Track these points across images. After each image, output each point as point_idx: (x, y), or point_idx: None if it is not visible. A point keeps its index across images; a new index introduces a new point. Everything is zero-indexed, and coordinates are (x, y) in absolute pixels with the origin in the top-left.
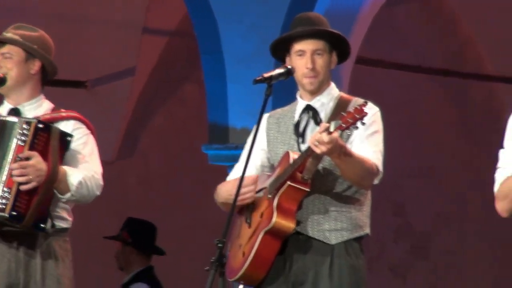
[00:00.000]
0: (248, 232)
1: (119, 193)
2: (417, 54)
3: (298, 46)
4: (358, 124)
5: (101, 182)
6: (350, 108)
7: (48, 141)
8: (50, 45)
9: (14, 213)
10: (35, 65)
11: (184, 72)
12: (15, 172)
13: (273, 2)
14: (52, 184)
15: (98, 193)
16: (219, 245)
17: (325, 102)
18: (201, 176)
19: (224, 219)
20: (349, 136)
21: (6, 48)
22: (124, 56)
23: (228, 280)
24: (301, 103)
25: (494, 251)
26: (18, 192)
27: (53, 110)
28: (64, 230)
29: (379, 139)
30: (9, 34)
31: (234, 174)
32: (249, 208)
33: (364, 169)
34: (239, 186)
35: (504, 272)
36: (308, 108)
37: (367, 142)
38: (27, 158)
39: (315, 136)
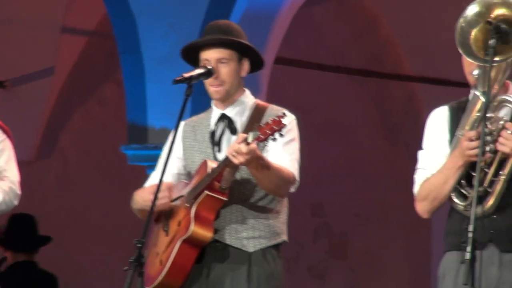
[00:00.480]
0: (166, 240)
1: (38, 193)
2: (336, 54)
3: (203, 55)
4: (276, 135)
5: (18, 191)
6: (269, 119)
7: None
8: None
9: None
10: None
11: (104, 72)
12: None
13: (192, 1)
14: None
15: (15, 203)
16: (138, 245)
17: (240, 111)
18: (121, 176)
19: (142, 219)
20: (265, 144)
21: None
22: (43, 56)
23: None
24: (215, 111)
25: (411, 251)
26: None
27: None
28: None
29: (295, 147)
30: None
31: (151, 181)
32: (167, 216)
33: (281, 178)
34: (156, 193)
35: (420, 272)
36: (224, 117)
37: (283, 151)
38: None
39: (233, 146)
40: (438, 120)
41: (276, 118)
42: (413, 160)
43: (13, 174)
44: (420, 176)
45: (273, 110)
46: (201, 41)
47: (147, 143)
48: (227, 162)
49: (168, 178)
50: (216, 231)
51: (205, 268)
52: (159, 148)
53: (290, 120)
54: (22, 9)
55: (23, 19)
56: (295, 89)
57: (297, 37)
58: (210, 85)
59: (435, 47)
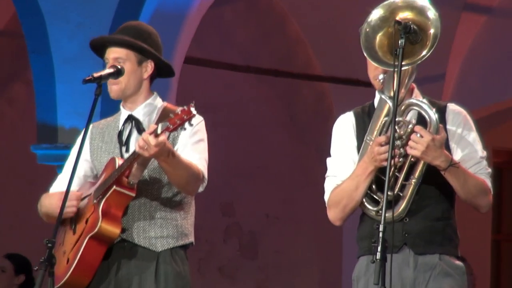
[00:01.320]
0: (73, 239)
1: None
2: (246, 54)
3: (105, 55)
4: (186, 125)
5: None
6: (178, 110)
7: None
8: None
9: None
10: None
11: (13, 72)
12: None
13: (101, 1)
14: None
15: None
16: (49, 245)
17: (147, 112)
18: (30, 175)
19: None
20: (174, 144)
21: None
22: None
23: None
24: (124, 113)
25: (320, 250)
26: None
27: None
28: None
29: (203, 147)
30: None
31: (58, 184)
32: (74, 216)
33: (190, 173)
34: (64, 201)
35: (330, 272)
36: (131, 118)
37: (193, 150)
38: None
39: (143, 137)
40: (344, 126)
41: (185, 108)
42: (323, 160)
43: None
44: (331, 184)
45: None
46: (100, 40)
47: (57, 142)
48: (136, 155)
49: (75, 181)
50: (124, 231)
51: (112, 267)
52: (69, 147)
53: (199, 121)
54: None
55: None
56: (204, 88)
57: (207, 37)
58: (108, 83)
59: (345, 46)
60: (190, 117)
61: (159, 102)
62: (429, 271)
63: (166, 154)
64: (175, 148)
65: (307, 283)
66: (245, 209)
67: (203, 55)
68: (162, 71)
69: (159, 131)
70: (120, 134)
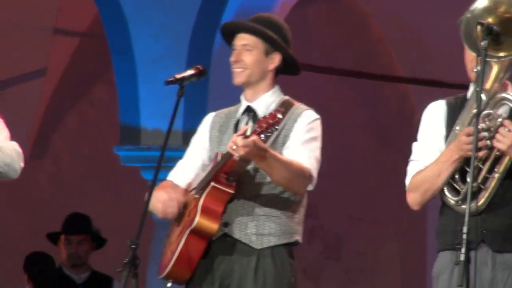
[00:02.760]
0: (177, 231)
1: (31, 194)
2: (328, 55)
3: (233, 41)
4: (272, 129)
5: (18, 148)
6: (266, 114)
7: None
8: None
9: None
10: None
11: (96, 73)
12: None
13: (183, 2)
14: None
15: (21, 162)
16: (132, 246)
17: (266, 105)
18: (113, 177)
19: (135, 220)
20: (285, 140)
21: None
22: (35, 57)
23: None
24: (243, 103)
25: (404, 251)
26: None
27: None
28: None
29: (315, 145)
30: None
31: (174, 173)
32: (180, 209)
33: (293, 172)
34: (150, 194)
35: (414, 273)
36: (249, 109)
37: (302, 148)
38: None
39: (232, 139)
40: (434, 113)
41: (272, 112)
42: (405, 162)
43: (11, 143)
44: (413, 168)
45: (298, 108)
46: (229, 25)
47: (140, 144)
48: (229, 155)
49: (193, 170)
50: (226, 225)
51: (215, 262)
52: (152, 149)
53: (313, 119)
54: (14, 11)
55: (14, 21)
56: (286, 90)
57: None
58: (233, 67)
59: (428, 48)
60: (275, 121)
61: (279, 95)
62: (507, 270)
63: (259, 154)
64: (286, 144)
65: (390, 285)
66: (329, 210)
67: None
68: (288, 67)
69: (248, 133)
70: (236, 125)
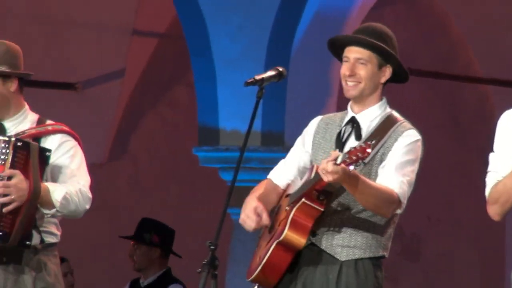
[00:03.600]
0: (268, 237)
1: (110, 195)
2: (406, 56)
3: (345, 52)
4: (359, 162)
5: (89, 195)
6: (358, 145)
7: (27, 158)
8: (18, 53)
9: (0, 233)
10: (13, 83)
11: (174, 74)
12: None
13: (262, 3)
14: (35, 201)
15: (87, 206)
16: (211, 247)
17: (370, 118)
18: (192, 178)
19: (214, 220)
20: (382, 158)
21: None
22: (114, 58)
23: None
24: (349, 113)
25: (483, 255)
26: (2, 212)
27: (38, 122)
28: (53, 245)
29: (410, 168)
30: None
31: (274, 172)
32: (275, 211)
33: (381, 199)
34: (229, 195)
35: (493, 274)
36: (353, 121)
37: (396, 171)
38: (9, 177)
39: (322, 163)
40: (509, 122)
41: (363, 145)
42: (485, 163)
43: (84, 179)
44: (492, 179)
45: (400, 126)
46: (342, 38)
47: (219, 145)
48: (319, 177)
49: (294, 172)
50: (314, 234)
51: (299, 269)
52: (231, 150)
53: (412, 140)
54: (93, 12)
55: (94, 22)
56: None
57: None
58: (345, 82)
59: (508, 48)
60: (364, 156)
61: (384, 109)
62: None
63: (348, 181)
64: (381, 165)
65: (469, 286)
66: (407, 211)
67: None
68: (395, 76)
69: (338, 161)
70: (339, 134)
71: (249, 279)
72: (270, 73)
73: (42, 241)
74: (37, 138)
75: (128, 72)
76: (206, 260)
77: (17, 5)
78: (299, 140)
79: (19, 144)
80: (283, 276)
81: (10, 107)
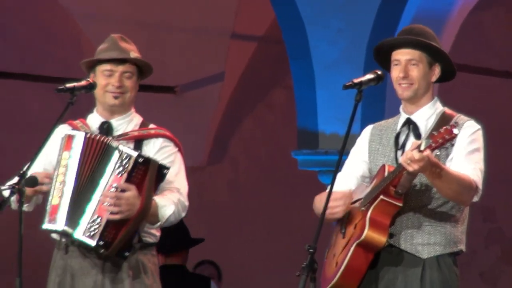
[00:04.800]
0: (342, 243)
1: (209, 198)
2: (503, 59)
3: (394, 56)
4: (447, 144)
5: (186, 203)
6: (441, 129)
7: (145, 175)
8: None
9: (101, 242)
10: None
11: (273, 78)
12: (108, 201)
13: (361, 7)
14: (142, 219)
15: (183, 214)
16: (310, 250)
17: (426, 117)
18: (291, 181)
19: (313, 224)
20: (448, 152)
21: (127, 67)
22: (213, 62)
23: None
24: (402, 116)
25: None
26: (108, 222)
27: (142, 125)
28: (151, 244)
29: (479, 157)
30: (132, 53)
31: (335, 185)
32: (345, 218)
33: (461, 185)
34: (327, 201)
35: None
36: (409, 122)
37: (467, 160)
38: (123, 190)
39: (406, 154)
40: None
41: (448, 127)
42: None
43: (182, 186)
44: None
45: (459, 119)
46: (392, 41)
47: (318, 148)
48: (401, 168)
49: (353, 181)
50: (391, 236)
51: (379, 272)
52: (330, 153)
53: (475, 130)
54: (192, 16)
55: (193, 26)
56: (459, 93)
57: (463, 41)
58: (399, 84)
59: None
60: (451, 137)
61: (438, 107)
62: None
63: (430, 168)
64: (450, 156)
65: None
66: (508, 214)
67: (460, 60)
68: (444, 74)
69: (422, 147)
70: (397, 137)
71: (328, 287)
72: (369, 76)
73: (140, 240)
74: (139, 140)
75: (227, 75)
76: (305, 263)
77: (118, 10)
78: (354, 151)
79: (140, 160)
80: (362, 281)
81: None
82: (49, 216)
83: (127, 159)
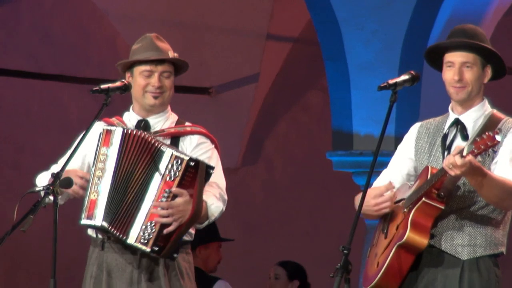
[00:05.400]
0: (384, 243)
1: (244, 199)
2: None
3: (447, 58)
4: (489, 151)
5: (226, 197)
6: (484, 135)
7: (195, 177)
8: None
9: (155, 248)
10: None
11: (308, 79)
12: (161, 212)
13: (395, 8)
14: (194, 222)
15: (224, 209)
16: (345, 251)
17: (474, 118)
18: (325, 182)
19: (348, 224)
20: (494, 155)
21: (166, 67)
22: (248, 63)
23: None
24: (451, 116)
25: None
26: (161, 230)
27: (178, 122)
28: (186, 243)
29: None
30: (170, 53)
31: (378, 181)
32: (387, 218)
33: (504, 191)
34: (362, 199)
35: None
36: (457, 122)
37: (511, 165)
38: (175, 195)
39: (449, 158)
40: None
41: (490, 134)
42: None
43: (221, 181)
44: None
45: (506, 123)
46: (446, 43)
47: (352, 149)
48: (443, 172)
49: (398, 179)
50: (432, 237)
51: (419, 272)
52: (364, 154)
53: None
54: (227, 17)
55: (229, 27)
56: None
57: (499, 44)
58: (452, 86)
59: None
60: (494, 144)
61: (487, 109)
62: None
63: (473, 173)
64: (495, 160)
65: None
66: None
67: None
68: (494, 74)
69: (464, 153)
70: (444, 137)
71: (370, 287)
72: (404, 77)
73: None
74: (175, 137)
75: (262, 76)
76: (339, 264)
77: (154, 12)
78: (400, 148)
79: (191, 163)
80: (402, 282)
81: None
82: (87, 212)
83: (179, 163)
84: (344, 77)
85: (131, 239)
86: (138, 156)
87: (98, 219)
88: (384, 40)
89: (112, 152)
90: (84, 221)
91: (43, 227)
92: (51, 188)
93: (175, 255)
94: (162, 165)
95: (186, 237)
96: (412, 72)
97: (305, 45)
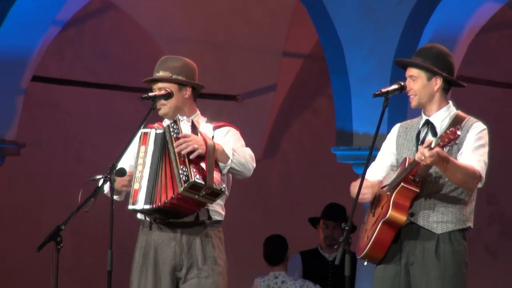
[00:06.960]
0: (372, 220)
1: (264, 188)
2: (508, 73)
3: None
4: (452, 143)
5: (251, 152)
6: (448, 130)
7: (194, 127)
8: (194, 68)
9: (199, 180)
10: (187, 91)
11: (317, 89)
12: (180, 147)
13: (388, 31)
14: (213, 151)
15: (254, 164)
16: (346, 228)
17: (441, 119)
18: (331, 172)
19: (348, 207)
20: (459, 147)
21: (163, 84)
22: (268, 75)
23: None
24: (423, 117)
25: None
26: (190, 163)
27: (207, 121)
28: (218, 222)
29: (483, 151)
30: (160, 72)
31: (369, 170)
32: (375, 200)
33: (466, 174)
34: (360, 186)
35: None
36: (428, 122)
37: (473, 154)
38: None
39: (420, 150)
40: None
41: (453, 129)
42: None
43: (243, 146)
44: None
45: (468, 121)
46: (398, 61)
47: (352, 145)
48: (416, 162)
49: (384, 169)
50: (412, 215)
51: (402, 244)
52: (362, 149)
53: (481, 129)
54: (252, 37)
55: (252, 45)
56: (471, 102)
57: (474, 59)
58: (408, 94)
59: None
60: (455, 137)
61: (452, 111)
62: None
63: (441, 162)
64: (460, 151)
65: None
66: (506, 198)
67: (471, 73)
68: (452, 84)
69: (432, 145)
70: (418, 134)
71: (360, 256)
72: (394, 86)
73: (209, 217)
74: (213, 129)
75: (279, 86)
76: (341, 238)
77: (191, 33)
78: (385, 145)
79: (179, 117)
80: (387, 251)
81: (184, 110)
82: (132, 199)
83: (174, 124)
84: (346, 87)
85: (179, 189)
86: (162, 149)
87: (140, 203)
88: (378, 57)
89: (148, 150)
90: (130, 207)
91: (102, 210)
92: (108, 176)
93: (222, 188)
94: (168, 137)
95: (217, 217)
96: (400, 82)
97: (315, 61)
